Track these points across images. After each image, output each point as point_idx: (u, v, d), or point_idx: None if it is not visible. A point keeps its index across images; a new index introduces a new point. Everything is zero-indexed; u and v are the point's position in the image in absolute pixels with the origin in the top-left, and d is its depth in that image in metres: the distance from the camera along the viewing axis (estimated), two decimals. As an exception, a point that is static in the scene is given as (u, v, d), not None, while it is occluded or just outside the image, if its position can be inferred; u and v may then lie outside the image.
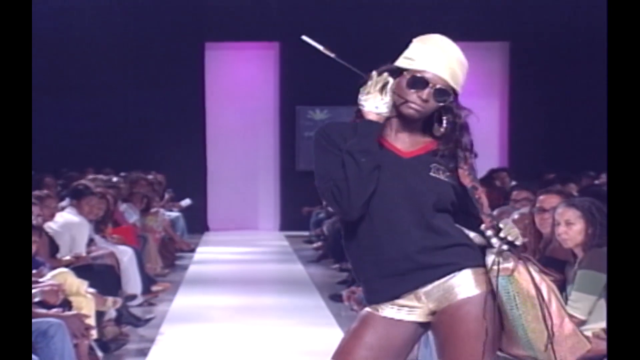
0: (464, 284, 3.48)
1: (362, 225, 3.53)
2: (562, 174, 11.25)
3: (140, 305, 10.02)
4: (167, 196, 16.01)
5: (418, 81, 3.51)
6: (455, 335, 3.46)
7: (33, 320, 5.85)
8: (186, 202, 16.56)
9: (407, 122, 3.59)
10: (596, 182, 13.02)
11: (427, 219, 3.50)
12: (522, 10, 19.11)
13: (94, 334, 6.95)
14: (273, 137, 19.78)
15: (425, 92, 3.51)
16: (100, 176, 12.70)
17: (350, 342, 3.56)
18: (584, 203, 5.41)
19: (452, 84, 3.55)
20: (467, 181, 3.55)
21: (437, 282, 3.50)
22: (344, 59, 3.73)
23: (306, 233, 16.80)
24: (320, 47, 3.74)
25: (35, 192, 8.27)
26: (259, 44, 19.64)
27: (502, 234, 3.43)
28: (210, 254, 15.49)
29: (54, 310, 6.21)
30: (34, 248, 6.55)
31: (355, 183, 3.45)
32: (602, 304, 5.18)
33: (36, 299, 6.30)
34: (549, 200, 5.86)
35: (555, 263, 5.59)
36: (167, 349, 8.17)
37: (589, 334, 5.18)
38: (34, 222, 6.55)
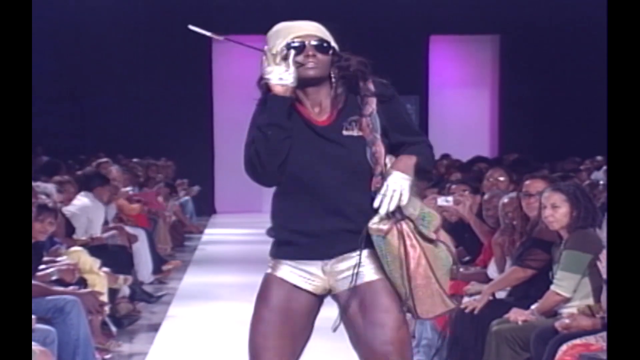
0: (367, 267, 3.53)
1: (288, 190, 3.58)
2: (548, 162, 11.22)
3: (151, 283, 10.05)
4: (178, 181, 16.05)
5: (296, 47, 3.53)
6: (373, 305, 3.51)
7: (50, 297, 5.87)
8: (195, 188, 16.58)
9: (315, 88, 3.58)
10: (581, 167, 13.02)
11: (348, 183, 3.50)
12: (512, 4, 19.07)
13: (107, 310, 6.97)
14: (277, 125, 19.76)
15: (308, 50, 3.52)
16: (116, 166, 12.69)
17: (258, 306, 3.64)
18: (569, 188, 5.42)
19: (322, 36, 3.58)
20: (366, 132, 3.54)
21: (341, 257, 3.54)
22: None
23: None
24: (208, 33, 3.74)
25: (56, 178, 8.27)
26: (263, 38, 19.56)
27: (383, 193, 3.44)
28: (217, 235, 15.51)
29: (70, 288, 6.22)
30: (52, 230, 6.55)
31: (265, 155, 3.51)
32: (586, 282, 5.20)
33: (53, 277, 6.32)
34: (534, 185, 5.87)
35: (542, 244, 5.62)
36: (177, 324, 8.19)
37: (574, 310, 5.20)
38: (51, 205, 6.54)
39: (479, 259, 6.62)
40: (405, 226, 3.46)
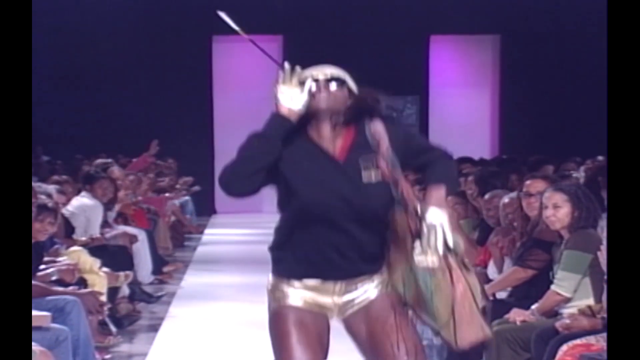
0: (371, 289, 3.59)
1: (299, 219, 3.58)
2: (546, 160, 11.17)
3: (151, 283, 10.05)
4: (182, 179, 16.08)
5: (314, 78, 3.58)
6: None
7: (50, 298, 5.87)
8: (195, 188, 16.58)
9: (329, 121, 3.59)
10: (581, 167, 12.99)
11: (363, 221, 3.52)
12: (512, 4, 19.07)
13: (106, 310, 6.97)
14: (277, 126, 19.77)
15: (323, 82, 3.56)
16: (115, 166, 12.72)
17: (283, 343, 3.55)
18: (570, 188, 5.43)
19: (340, 74, 3.61)
20: (386, 174, 3.54)
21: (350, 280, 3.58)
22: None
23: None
24: (235, 26, 3.79)
25: (55, 177, 8.26)
26: (264, 37, 19.59)
27: (427, 238, 3.44)
28: (217, 236, 15.50)
29: (70, 288, 6.22)
30: (52, 230, 6.54)
31: (242, 160, 3.54)
32: (587, 282, 5.20)
33: (53, 278, 6.32)
34: (534, 185, 5.87)
35: (543, 244, 5.61)
36: (177, 324, 8.19)
37: (574, 310, 5.20)
38: (50, 204, 6.53)
39: (478, 259, 6.62)
40: (451, 260, 3.48)
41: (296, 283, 3.61)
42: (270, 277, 3.69)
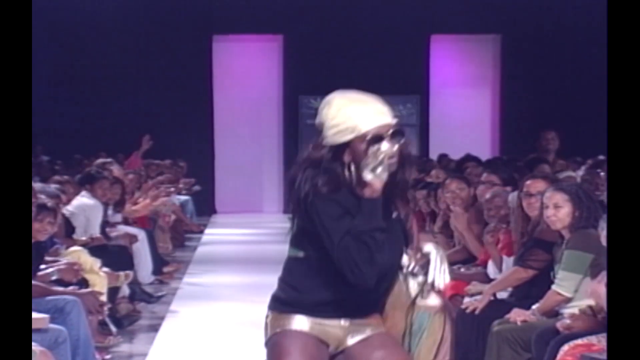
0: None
1: (315, 258, 3.48)
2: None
3: (151, 283, 10.05)
4: (183, 180, 16.08)
5: (393, 134, 3.40)
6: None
7: (50, 298, 5.87)
8: (195, 188, 16.59)
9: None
10: (582, 167, 12.97)
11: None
12: (513, 4, 19.07)
13: (106, 310, 6.97)
14: (277, 125, 19.78)
15: (397, 143, 3.41)
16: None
17: None
18: (571, 187, 5.43)
19: (393, 120, 3.46)
20: (403, 209, 3.53)
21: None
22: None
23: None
24: None
25: (56, 177, 8.24)
26: (264, 37, 19.61)
27: (434, 266, 3.43)
28: (217, 236, 15.50)
29: (70, 288, 6.22)
30: (52, 230, 6.53)
31: (372, 256, 3.35)
32: (587, 282, 5.20)
33: (53, 277, 6.31)
34: (535, 185, 5.86)
35: (543, 244, 5.61)
36: (177, 324, 8.20)
37: (575, 310, 5.20)
38: (50, 204, 6.52)
39: (480, 259, 6.62)
40: (449, 304, 3.55)
41: (305, 317, 3.55)
42: (270, 313, 3.61)
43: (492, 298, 5.80)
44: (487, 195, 6.65)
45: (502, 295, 5.92)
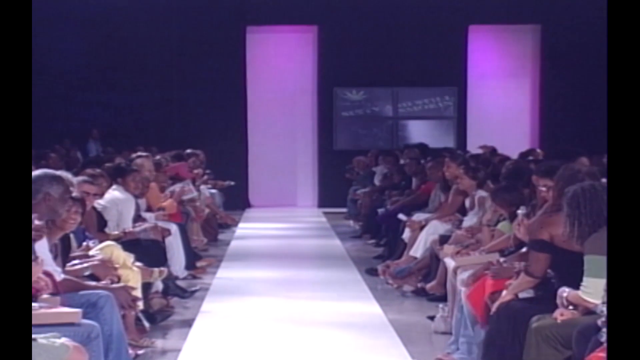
0: None
1: None
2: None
3: (184, 278, 10.08)
4: (205, 176, 16.07)
5: None
6: None
7: (83, 292, 5.89)
8: (228, 183, 16.59)
9: None
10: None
11: None
12: (553, -6, 18.97)
13: (140, 305, 6.99)
14: (311, 118, 19.78)
15: None
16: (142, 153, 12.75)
17: None
18: (566, 202, 5.33)
19: None
20: None
21: None
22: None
23: (343, 210, 16.79)
24: None
25: (89, 171, 8.25)
26: (298, 28, 19.61)
27: None
28: (251, 230, 15.53)
29: (102, 283, 6.24)
30: (79, 219, 6.52)
31: None
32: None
33: (86, 273, 6.34)
34: (541, 182, 5.87)
35: (540, 246, 5.63)
36: (210, 320, 8.22)
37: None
38: (75, 194, 6.49)
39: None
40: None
41: None
42: None
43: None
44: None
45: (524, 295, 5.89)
